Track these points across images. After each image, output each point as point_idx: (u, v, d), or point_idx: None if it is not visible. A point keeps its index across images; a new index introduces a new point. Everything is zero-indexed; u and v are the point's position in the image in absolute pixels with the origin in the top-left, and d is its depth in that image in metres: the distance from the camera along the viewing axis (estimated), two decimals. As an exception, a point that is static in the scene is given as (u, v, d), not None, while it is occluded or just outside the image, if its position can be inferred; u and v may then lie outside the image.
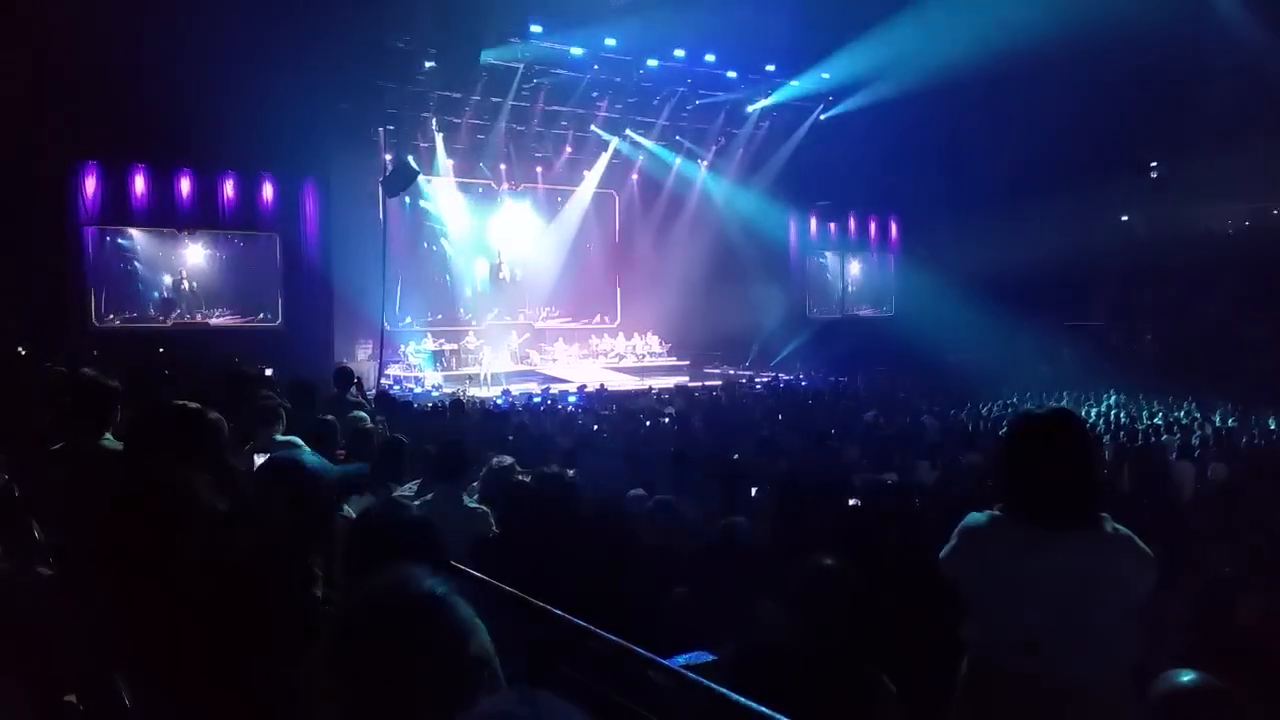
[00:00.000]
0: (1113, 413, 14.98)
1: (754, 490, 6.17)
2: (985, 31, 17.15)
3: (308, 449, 4.01)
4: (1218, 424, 13.99)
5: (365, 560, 2.00)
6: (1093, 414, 14.72)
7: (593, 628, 2.07)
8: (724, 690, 1.62)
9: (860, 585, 2.44)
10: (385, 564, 1.34)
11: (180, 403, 2.86)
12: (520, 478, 4.10)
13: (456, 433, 7.60)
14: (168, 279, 17.11)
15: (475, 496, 4.36)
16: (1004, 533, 2.43)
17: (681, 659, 2.06)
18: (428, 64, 17.88)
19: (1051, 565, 2.31)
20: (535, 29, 17.48)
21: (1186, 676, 2.06)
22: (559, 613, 2.21)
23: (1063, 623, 2.28)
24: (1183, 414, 15.15)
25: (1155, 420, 14.21)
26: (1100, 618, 2.29)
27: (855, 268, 26.23)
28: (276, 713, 1.79)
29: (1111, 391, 17.05)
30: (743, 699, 1.57)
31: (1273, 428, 13.52)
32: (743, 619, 3.01)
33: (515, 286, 22.22)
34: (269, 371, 9.92)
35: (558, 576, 2.97)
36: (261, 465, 2.60)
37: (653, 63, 19.01)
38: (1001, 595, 2.40)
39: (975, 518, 2.52)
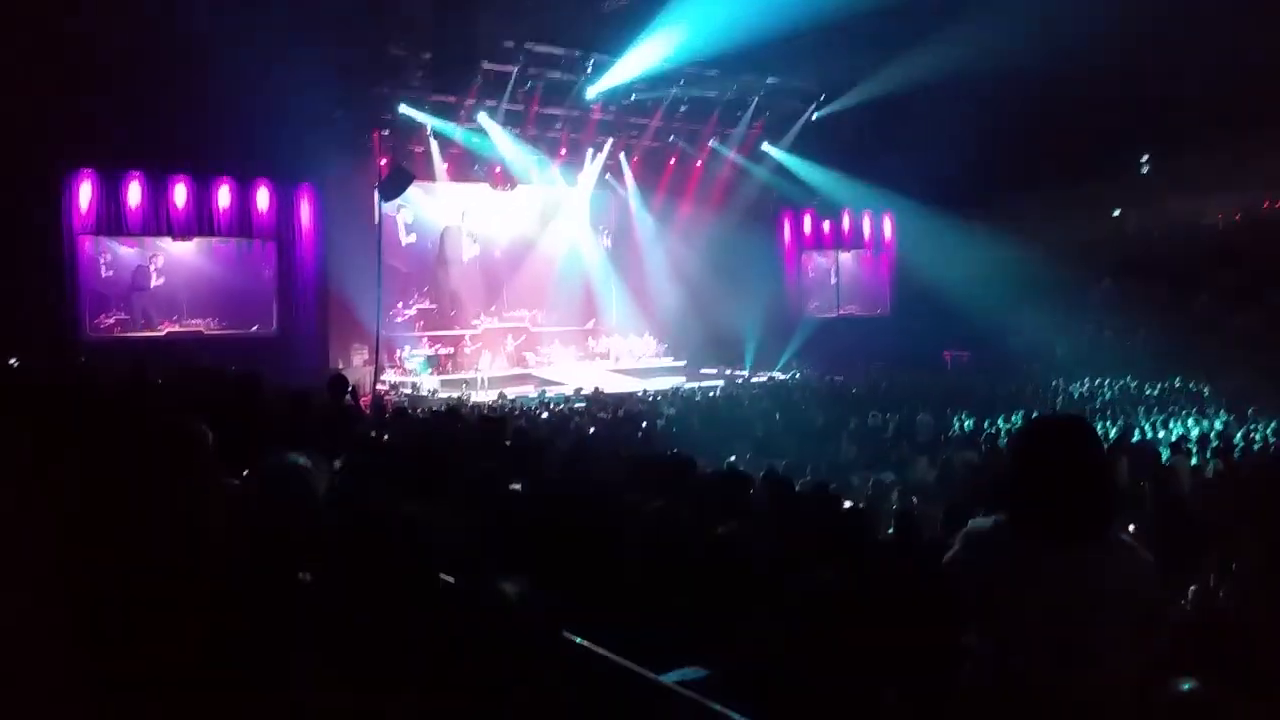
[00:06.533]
0: (1108, 409, 14.97)
1: (751, 491, 6.15)
2: (974, 30, 17.15)
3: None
4: (1213, 419, 14.01)
5: None
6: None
7: (587, 644, 2.06)
8: (716, 706, 1.60)
9: (854, 597, 2.42)
10: None
11: (167, 417, 2.85)
12: (514, 487, 4.08)
13: (452, 439, 7.58)
14: (162, 287, 17.04)
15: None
16: (1010, 541, 2.38)
17: (673, 675, 2.04)
18: (421, 71, 17.85)
19: (1059, 575, 2.28)
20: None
21: (1186, 685, 2.04)
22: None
23: (1069, 631, 2.26)
24: (1179, 409, 15.14)
25: (1151, 416, 14.21)
26: (1106, 626, 2.27)
27: (850, 266, 26.19)
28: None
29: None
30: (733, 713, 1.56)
31: (1269, 425, 13.50)
32: (740, 629, 2.99)
33: (506, 273, 22.11)
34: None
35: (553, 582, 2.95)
36: (263, 468, 2.67)
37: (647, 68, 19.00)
38: (1006, 603, 2.37)
39: (980, 523, 2.47)
